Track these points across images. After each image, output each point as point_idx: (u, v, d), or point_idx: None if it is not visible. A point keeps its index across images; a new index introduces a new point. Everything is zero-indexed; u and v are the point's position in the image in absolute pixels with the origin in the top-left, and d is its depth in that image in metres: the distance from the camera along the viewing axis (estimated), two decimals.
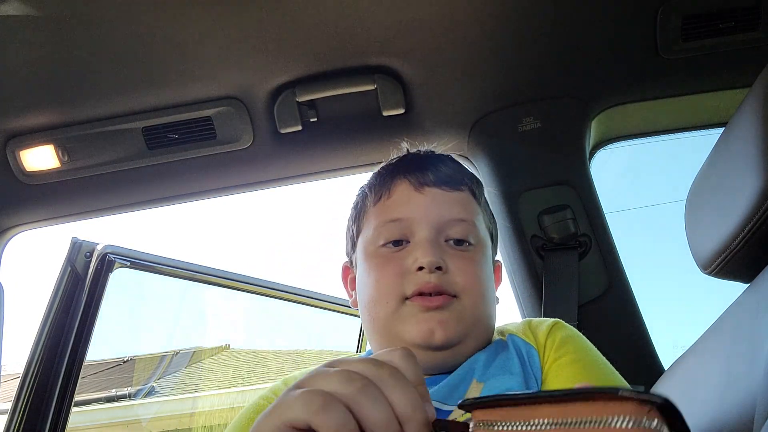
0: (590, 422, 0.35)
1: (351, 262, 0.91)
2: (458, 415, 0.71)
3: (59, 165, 1.30)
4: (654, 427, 0.33)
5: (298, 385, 0.46)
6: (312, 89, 1.25)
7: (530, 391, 0.39)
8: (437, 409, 0.72)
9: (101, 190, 1.36)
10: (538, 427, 0.36)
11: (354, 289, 0.89)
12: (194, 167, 1.35)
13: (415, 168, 0.85)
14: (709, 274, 0.88)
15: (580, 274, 1.27)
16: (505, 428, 0.38)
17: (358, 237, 0.87)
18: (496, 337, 0.84)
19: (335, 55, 1.21)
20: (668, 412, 0.33)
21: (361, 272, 0.84)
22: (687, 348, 0.98)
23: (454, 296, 0.77)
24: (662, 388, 1.01)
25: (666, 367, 1.11)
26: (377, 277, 0.80)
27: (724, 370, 0.78)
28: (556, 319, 0.84)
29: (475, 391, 0.73)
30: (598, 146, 1.45)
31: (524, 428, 0.37)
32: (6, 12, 1.03)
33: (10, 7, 1.02)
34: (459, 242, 0.81)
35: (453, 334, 0.75)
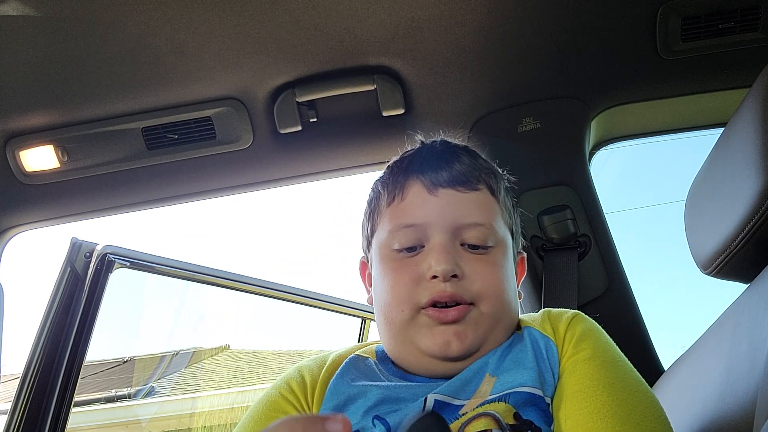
0: None
1: (367, 258, 0.88)
2: (469, 409, 0.70)
3: (59, 165, 1.30)
4: None
5: None
6: (312, 89, 1.25)
7: None
8: (447, 404, 0.71)
9: (101, 190, 1.36)
10: None
11: (371, 285, 0.87)
12: (194, 167, 1.35)
13: (428, 166, 0.81)
14: (709, 274, 0.88)
15: (580, 274, 1.27)
16: None
17: (372, 236, 0.85)
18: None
19: (335, 56, 1.21)
20: None
21: (376, 273, 0.82)
22: (687, 348, 0.98)
23: (471, 303, 0.75)
24: (662, 388, 1.01)
25: (666, 367, 1.11)
26: (392, 283, 0.78)
27: (724, 370, 0.78)
28: (576, 310, 0.81)
29: (487, 384, 0.72)
30: (598, 146, 1.45)
31: None
32: (6, 12, 1.03)
33: (10, 7, 1.02)
34: (475, 246, 0.78)
35: (470, 344, 0.74)
